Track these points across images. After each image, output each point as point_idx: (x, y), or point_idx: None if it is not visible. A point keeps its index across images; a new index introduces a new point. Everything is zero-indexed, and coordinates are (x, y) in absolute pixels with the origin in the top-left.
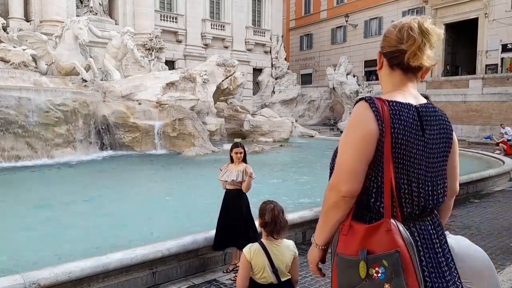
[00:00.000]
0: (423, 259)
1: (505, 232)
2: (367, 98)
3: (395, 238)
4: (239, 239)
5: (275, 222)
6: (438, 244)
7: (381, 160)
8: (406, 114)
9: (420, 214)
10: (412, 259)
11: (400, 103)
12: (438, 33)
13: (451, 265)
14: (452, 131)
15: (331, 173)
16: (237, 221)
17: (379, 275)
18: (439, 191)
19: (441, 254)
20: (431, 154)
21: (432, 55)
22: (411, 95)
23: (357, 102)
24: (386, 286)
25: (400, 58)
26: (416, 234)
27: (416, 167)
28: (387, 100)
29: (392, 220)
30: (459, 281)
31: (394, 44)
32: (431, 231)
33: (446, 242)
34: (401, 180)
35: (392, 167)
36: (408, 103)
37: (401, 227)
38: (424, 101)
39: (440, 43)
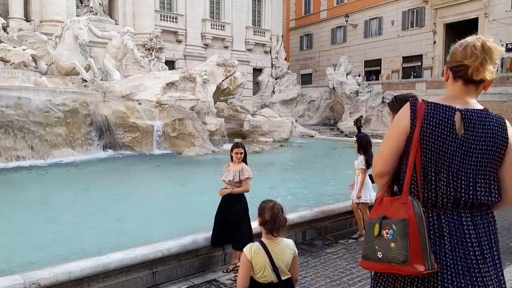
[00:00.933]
0: (447, 243)
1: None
2: (411, 99)
3: (407, 209)
4: (231, 239)
5: (274, 220)
6: (474, 235)
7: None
8: (441, 113)
9: (455, 205)
10: (419, 228)
11: (439, 104)
12: (499, 50)
13: (487, 257)
14: (507, 138)
15: None
16: (230, 221)
17: (388, 235)
18: (477, 189)
19: (476, 244)
20: (469, 153)
21: (493, 70)
22: (461, 101)
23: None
24: (392, 244)
25: (462, 71)
26: (444, 221)
27: (447, 160)
28: (428, 101)
29: (410, 197)
30: (494, 273)
31: (459, 60)
32: (464, 223)
33: (489, 237)
34: (429, 168)
35: (419, 156)
36: (450, 105)
37: (415, 203)
38: (478, 107)
39: (440, 42)
